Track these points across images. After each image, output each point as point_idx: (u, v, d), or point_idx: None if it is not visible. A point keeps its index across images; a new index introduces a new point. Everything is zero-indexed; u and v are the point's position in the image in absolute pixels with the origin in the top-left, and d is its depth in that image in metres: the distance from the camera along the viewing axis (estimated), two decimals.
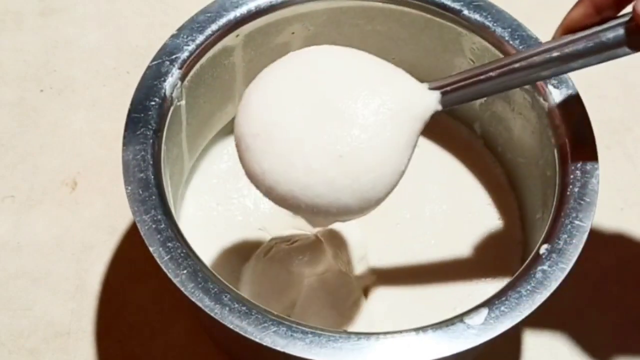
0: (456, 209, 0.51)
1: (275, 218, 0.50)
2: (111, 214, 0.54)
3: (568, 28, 0.39)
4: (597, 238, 0.53)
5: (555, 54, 0.38)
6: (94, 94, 0.60)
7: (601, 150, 0.43)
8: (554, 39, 0.40)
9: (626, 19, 0.37)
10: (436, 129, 0.54)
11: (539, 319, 0.51)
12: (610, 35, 0.37)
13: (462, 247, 0.50)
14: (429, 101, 0.38)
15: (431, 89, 0.39)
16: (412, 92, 0.38)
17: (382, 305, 0.47)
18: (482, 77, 0.39)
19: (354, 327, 0.46)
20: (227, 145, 0.54)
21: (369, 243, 0.50)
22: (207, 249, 0.46)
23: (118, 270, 0.52)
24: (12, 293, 0.50)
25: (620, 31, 0.36)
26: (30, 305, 0.50)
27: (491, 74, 0.39)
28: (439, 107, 0.39)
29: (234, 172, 0.52)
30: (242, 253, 0.49)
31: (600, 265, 0.53)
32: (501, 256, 0.49)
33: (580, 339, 0.50)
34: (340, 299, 0.47)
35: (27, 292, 0.51)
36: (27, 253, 0.52)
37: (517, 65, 0.39)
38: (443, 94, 0.39)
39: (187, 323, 0.49)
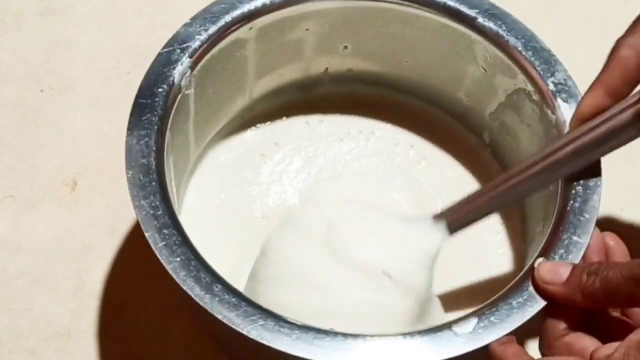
0: None
1: (280, 208, 0.51)
2: (111, 214, 0.54)
3: (583, 115, 0.41)
4: None
5: (571, 147, 0.40)
6: (94, 94, 0.59)
7: None
8: (571, 130, 0.41)
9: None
10: (444, 135, 0.54)
11: (537, 324, 0.51)
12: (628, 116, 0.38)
13: (463, 258, 0.49)
14: (437, 239, 0.42)
15: (436, 220, 0.42)
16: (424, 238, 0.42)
17: None
18: (491, 194, 0.42)
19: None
20: (236, 137, 0.53)
21: None
22: (210, 239, 0.46)
23: (118, 270, 0.52)
24: (12, 293, 0.50)
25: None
26: (30, 305, 0.50)
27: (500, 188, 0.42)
28: (447, 237, 0.42)
29: (239, 163, 0.52)
30: (244, 243, 0.49)
31: None
32: (502, 268, 0.49)
33: None
34: None
35: (27, 292, 0.51)
36: (27, 253, 0.52)
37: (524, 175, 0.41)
38: (449, 223, 0.42)
39: (187, 323, 0.49)
